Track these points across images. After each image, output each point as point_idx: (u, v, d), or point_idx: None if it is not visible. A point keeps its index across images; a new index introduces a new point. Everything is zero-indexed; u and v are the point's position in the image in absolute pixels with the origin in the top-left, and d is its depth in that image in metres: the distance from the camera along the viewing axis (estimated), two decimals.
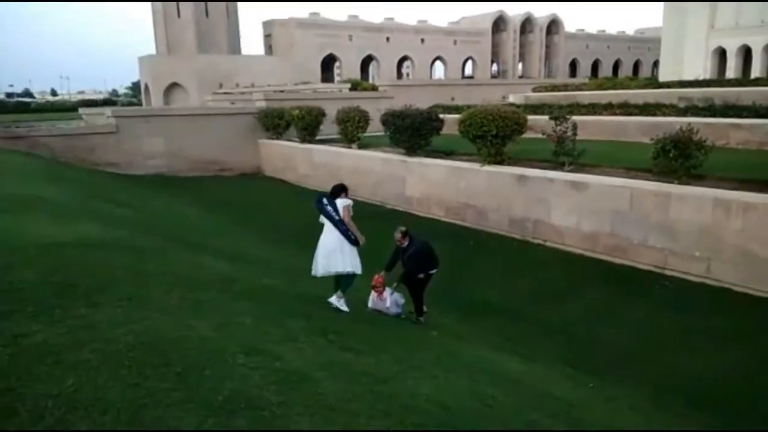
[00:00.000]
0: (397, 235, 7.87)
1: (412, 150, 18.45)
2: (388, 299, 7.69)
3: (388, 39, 63.03)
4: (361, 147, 22.06)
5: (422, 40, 65.47)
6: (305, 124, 24.53)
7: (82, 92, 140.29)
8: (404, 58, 66.65)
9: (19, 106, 75.59)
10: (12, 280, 5.42)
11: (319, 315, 6.55)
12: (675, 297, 10.75)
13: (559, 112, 15.16)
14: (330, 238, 6.93)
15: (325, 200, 6.97)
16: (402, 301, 7.91)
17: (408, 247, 7.77)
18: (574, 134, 14.51)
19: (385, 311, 7.74)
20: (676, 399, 7.24)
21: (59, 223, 8.68)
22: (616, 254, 12.56)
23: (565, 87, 33.23)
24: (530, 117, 16.53)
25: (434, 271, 8.01)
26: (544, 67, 74.34)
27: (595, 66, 79.85)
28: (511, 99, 30.69)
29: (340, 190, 7.17)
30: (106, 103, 76.50)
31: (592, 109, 23.42)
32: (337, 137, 23.58)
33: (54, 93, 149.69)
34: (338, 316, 6.89)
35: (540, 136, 14.96)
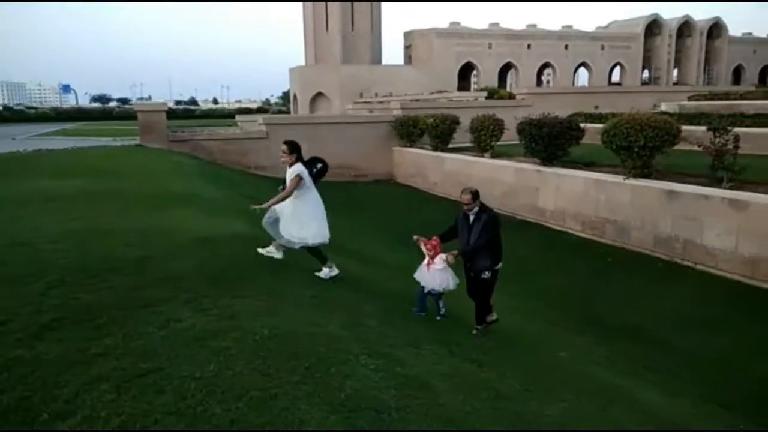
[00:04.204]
0: (466, 197, 6.31)
1: (548, 160, 17.77)
2: (438, 271, 6.41)
3: (528, 46, 61.44)
4: (494, 156, 21.67)
5: (566, 46, 62.93)
6: (438, 132, 24.65)
7: (239, 101, 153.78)
8: (545, 65, 64.54)
9: (186, 112, 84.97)
10: (172, 268, 6.08)
11: (439, 323, 6.53)
12: None
13: (718, 123, 13.73)
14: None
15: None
16: (455, 282, 6.53)
17: (479, 214, 6.38)
18: (736, 147, 13.06)
19: (429, 287, 6.51)
20: None
21: (213, 219, 9.57)
22: None
23: (727, 95, 29.98)
24: (684, 127, 15.12)
25: (500, 265, 6.58)
26: (702, 73, 67.96)
27: (763, 73, 71.41)
28: (663, 107, 28.38)
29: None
30: (259, 111, 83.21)
31: (758, 120, 20.92)
32: (469, 146, 23.41)
33: (215, 101, 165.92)
34: (459, 325, 6.81)
35: (695, 148, 13.65)
